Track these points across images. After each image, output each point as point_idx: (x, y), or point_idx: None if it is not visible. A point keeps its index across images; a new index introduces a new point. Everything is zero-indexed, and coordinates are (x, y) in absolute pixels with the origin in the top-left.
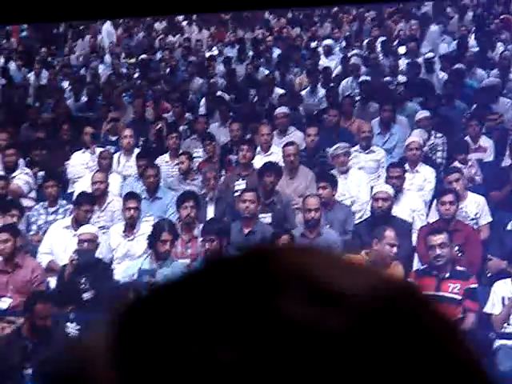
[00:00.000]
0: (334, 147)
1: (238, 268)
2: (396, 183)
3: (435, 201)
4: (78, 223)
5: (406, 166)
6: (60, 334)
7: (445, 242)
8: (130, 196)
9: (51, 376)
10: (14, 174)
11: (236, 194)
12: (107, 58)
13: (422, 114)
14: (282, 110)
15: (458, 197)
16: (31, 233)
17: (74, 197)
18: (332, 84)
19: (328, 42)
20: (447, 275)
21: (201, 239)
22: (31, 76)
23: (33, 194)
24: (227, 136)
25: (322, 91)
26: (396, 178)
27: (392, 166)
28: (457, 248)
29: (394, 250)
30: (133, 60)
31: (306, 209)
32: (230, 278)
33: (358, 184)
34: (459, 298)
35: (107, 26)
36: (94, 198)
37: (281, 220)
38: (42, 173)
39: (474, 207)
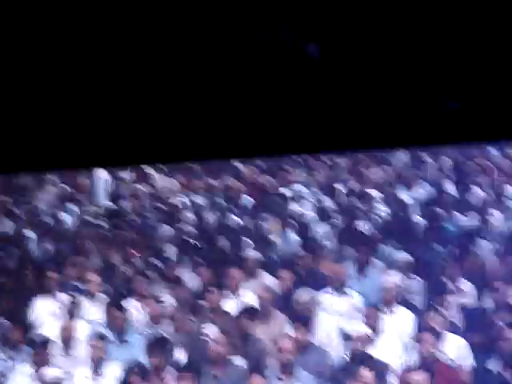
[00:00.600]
0: (297, 298)
1: None
2: (372, 325)
3: (414, 342)
4: (39, 369)
5: (383, 309)
6: None
7: (424, 381)
8: (96, 336)
9: None
10: None
11: (206, 338)
12: (73, 206)
13: (400, 256)
14: (252, 253)
15: (437, 337)
16: None
17: (36, 343)
18: (304, 229)
19: (300, 188)
20: None
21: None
22: None
23: None
24: (197, 282)
25: (293, 236)
26: (372, 319)
27: (368, 307)
28: None
29: None
30: (100, 211)
31: (279, 351)
32: None
33: (327, 329)
34: None
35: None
36: (54, 344)
37: (255, 364)
38: (1, 319)
39: (455, 349)
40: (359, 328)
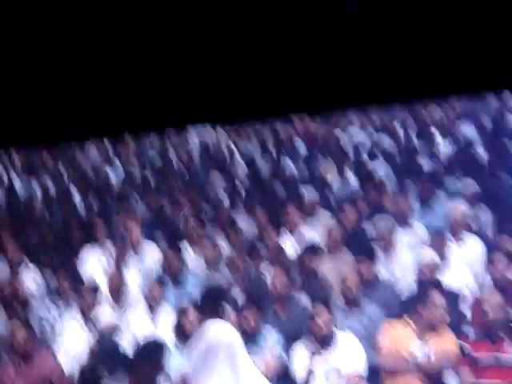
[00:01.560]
0: (377, 221)
1: None
2: (441, 253)
3: (485, 267)
4: (88, 315)
5: (451, 237)
6: None
7: (499, 303)
8: (151, 281)
9: None
10: (20, 273)
11: (265, 277)
12: (120, 167)
13: (467, 185)
14: (309, 192)
15: (510, 260)
16: (45, 336)
17: (86, 293)
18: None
19: (356, 130)
20: (504, 338)
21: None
22: (36, 187)
23: (43, 297)
24: (252, 226)
25: (352, 179)
26: (440, 248)
27: (435, 233)
28: None
29: (442, 312)
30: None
31: (344, 286)
32: None
33: (402, 263)
34: None
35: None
36: (98, 288)
37: (319, 298)
38: (50, 272)
39: None
40: (428, 257)
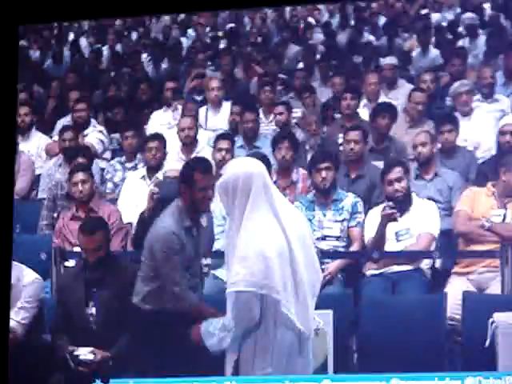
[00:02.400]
0: (456, 84)
1: None
2: None
3: None
4: (153, 169)
5: None
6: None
7: None
8: (222, 137)
9: None
10: (85, 132)
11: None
12: (190, 30)
13: None
14: (389, 60)
15: None
16: (107, 191)
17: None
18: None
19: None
20: None
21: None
22: (105, 50)
23: (107, 155)
24: (328, 93)
25: (434, 52)
26: None
27: None
28: None
29: None
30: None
31: (416, 145)
32: None
33: (483, 128)
34: None
35: None
36: (165, 143)
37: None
38: (117, 135)
39: None
40: (511, 123)
